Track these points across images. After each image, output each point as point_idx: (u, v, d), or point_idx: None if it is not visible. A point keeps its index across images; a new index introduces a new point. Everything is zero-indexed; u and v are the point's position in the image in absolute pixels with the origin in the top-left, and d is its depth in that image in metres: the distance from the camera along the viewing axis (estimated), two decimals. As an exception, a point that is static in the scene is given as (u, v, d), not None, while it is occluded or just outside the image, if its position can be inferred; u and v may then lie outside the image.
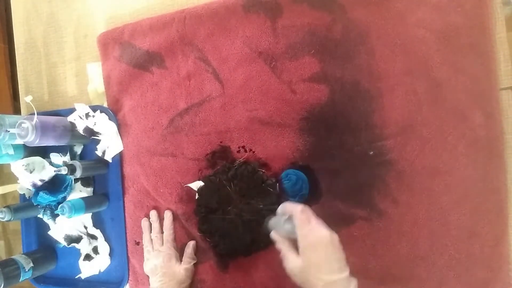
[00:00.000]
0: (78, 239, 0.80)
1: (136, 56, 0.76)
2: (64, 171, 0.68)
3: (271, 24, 0.67)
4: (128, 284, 0.77)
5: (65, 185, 0.79)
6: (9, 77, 1.64)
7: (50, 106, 0.87)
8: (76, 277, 0.79)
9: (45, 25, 0.88)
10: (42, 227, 0.83)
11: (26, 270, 0.75)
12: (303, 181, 0.65)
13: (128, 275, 0.77)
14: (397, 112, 0.62)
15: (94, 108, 0.77)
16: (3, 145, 0.76)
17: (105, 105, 0.80)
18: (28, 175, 0.78)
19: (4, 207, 0.75)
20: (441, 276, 0.60)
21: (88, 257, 0.79)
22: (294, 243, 0.50)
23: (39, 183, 0.80)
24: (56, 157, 0.81)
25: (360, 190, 0.63)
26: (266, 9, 0.67)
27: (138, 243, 0.77)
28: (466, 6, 0.59)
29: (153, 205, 0.76)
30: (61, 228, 0.80)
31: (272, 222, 0.56)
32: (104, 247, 0.78)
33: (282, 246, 0.52)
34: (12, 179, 0.85)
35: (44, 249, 0.84)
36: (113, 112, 0.78)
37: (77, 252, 0.80)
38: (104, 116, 0.77)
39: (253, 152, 0.69)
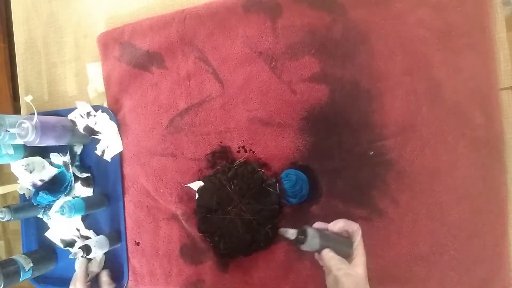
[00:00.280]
0: (72, 243, 0.80)
1: (136, 56, 0.76)
2: (79, 254, 0.68)
3: (271, 24, 0.67)
4: (128, 284, 0.77)
5: (65, 185, 0.79)
6: (9, 77, 1.64)
7: (50, 106, 0.87)
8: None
9: (45, 25, 0.88)
10: (42, 227, 0.83)
11: (26, 270, 0.75)
12: (303, 181, 0.65)
13: (128, 275, 0.77)
14: (397, 112, 0.62)
15: (96, 108, 0.77)
16: (3, 145, 0.76)
17: (105, 105, 0.80)
18: (28, 175, 0.78)
19: (4, 207, 0.75)
20: (441, 276, 0.60)
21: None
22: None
23: (39, 183, 0.80)
24: (56, 157, 0.81)
25: (360, 190, 0.63)
26: (266, 9, 0.67)
27: (138, 243, 0.77)
28: (466, 6, 0.59)
29: (153, 205, 0.76)
30: (55, 231, 0.80)
31: (312, 235, 0.50)
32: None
33: (341, 266, 0.49)
34: (12, 179, 0.85)
35: (44, 249, 0.84)
36: (113, 112, 0.78)
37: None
38: (105, 116, 0.77)
39: (253, 152, 0.69)
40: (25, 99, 0.75)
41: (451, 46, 0.60)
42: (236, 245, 0.68)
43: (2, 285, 0.70)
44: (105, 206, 0.79)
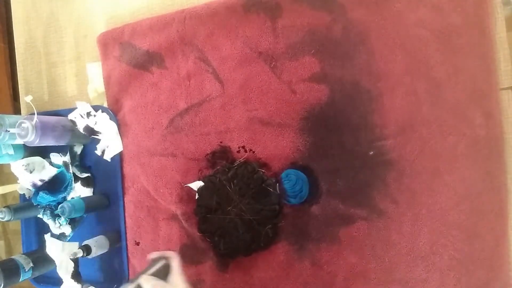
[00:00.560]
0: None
1: (136, 56, 0.76)
2: (80, 254, 0.67)
3: (271, 24, 0.67)
4: (128, 284, 0.77)
5: (65, 185, 0.79)
6: (9, 77, 1.64)
7: (50, 106, 0.87)
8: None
9: (45, 25, 0.88)
10: (42, 227, 0.83)
11: (26, 270, 0.75)
12: (303, 181, 0.65)
13: (128, 275, 0.77)
14: (397, 112, 0.62)
15: (96, 108, 0.77)
16: (3, 145, 0.76)
17: (105, 105, 0.80)
18: (28, 175, 0.78)
19: (4, 207, 0.75)
20: (441, 276, 0.60)
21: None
22: None
23: (39, 183, 0.80)
24: (56, 157, 0.81)
25: (360, 190, 0.63)
26: (266, 9, 0.67)
27: (138, 243, 0.77)
28: (466, 6, 0.59)
29: (153, 205, 0.76)
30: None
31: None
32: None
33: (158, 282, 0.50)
34: (12, 179, 0.86)
35: (44, 249, 0.84)
36: (113, 112, 0.78)
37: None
38: (105, 116, 0.77)
39: (253, 152, 0.69)
40: (25, 99, 0.75)
41: (451, 46, 0.60)
42: (236, 245, 0.68)
43: (2, 285, 0.70)
44: (105, 206, 0.79)
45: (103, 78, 0.80)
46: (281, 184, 0.66)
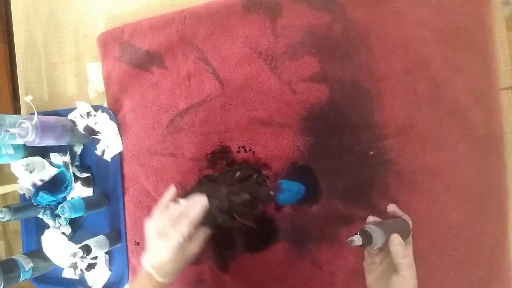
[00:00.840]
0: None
1: (136, 56, 0.76)
2: (80, 254, 0.68)
3: (271, 24, 0.67)
4: (128, 284, 0.77)
5: (65, 185, 0.79)
6: (9, 77, 1.65)
7: (50, 106, 0.87)
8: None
9: (45, 25, 0.88)
10: (42, 227, 0.83)
11: (26, 270, 0.75)
12: (298, 191, 0.65)
13: (128, 275, 0.77)
14: (397, 112, 0.62)
15: (96, 108, 0.77)
16: (3, 145, 0.76)
17: (105, 105, 0.80)
18: (28, 175, 0.78)
19: (4, 207, 0.75)
20: (441, 276, 0.60)
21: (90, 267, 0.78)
22: None
23: (39, 183, 0.80)
24: (56, 157, 0.81)
25: (360, 190, 0.63)
26: (266, 9, 0.67)
27: (138, 243, 0.77)
28: (466, 6, 0.59)
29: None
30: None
31: (377, 233, 0.49)
32: (97, 246, 0.75)
33: (407, 254, 0.50)
34: (12, 179, 0.85)
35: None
36: (113, 112, 0.78)
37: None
38: (105, 116, 0.77)
39: (253, 152, 0.69)
40: (25, 99, 0.75)
41: (451, 46, 0.60)
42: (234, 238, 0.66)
43: (2, 285, 0.70)
44: (105, 206, 0.79)
45: (103, 78, 0.80)
46: (279, 192, 0.65)
